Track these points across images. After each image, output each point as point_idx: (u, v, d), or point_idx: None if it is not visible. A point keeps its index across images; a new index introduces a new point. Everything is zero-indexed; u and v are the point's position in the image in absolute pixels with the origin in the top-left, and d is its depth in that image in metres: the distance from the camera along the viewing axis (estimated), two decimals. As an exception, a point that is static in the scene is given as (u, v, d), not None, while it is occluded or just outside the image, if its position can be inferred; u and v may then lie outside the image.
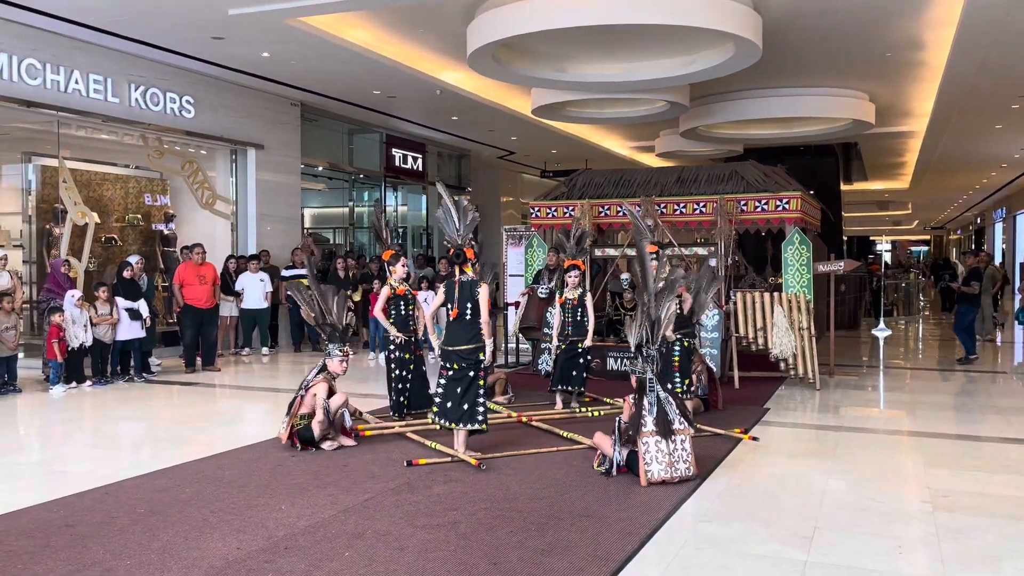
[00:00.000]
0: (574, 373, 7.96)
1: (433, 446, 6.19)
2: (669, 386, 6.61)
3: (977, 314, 12.09)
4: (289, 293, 7.04)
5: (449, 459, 5.88)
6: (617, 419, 5.62)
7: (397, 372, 7.37)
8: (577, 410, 7.73)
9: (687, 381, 6.81)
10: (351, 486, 5.29)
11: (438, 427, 6.54)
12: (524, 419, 7.27)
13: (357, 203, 17.66)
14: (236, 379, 10.33)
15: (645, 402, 5.45)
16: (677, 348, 6.83)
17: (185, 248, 11.73)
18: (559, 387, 7.98)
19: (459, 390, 5.91)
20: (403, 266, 7.45)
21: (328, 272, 13.05)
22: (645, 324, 5.61)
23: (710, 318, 9.09)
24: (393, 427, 6.92)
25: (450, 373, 5.97)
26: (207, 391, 9.44)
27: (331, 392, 6.38)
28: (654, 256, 6.86)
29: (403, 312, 7.40)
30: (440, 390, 6.02)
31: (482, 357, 5.92)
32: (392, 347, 7.38)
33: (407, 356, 7.38)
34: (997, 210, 31.32)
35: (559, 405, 8.00)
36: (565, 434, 6.68)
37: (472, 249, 6.07)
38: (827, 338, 10.59)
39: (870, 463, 6.00)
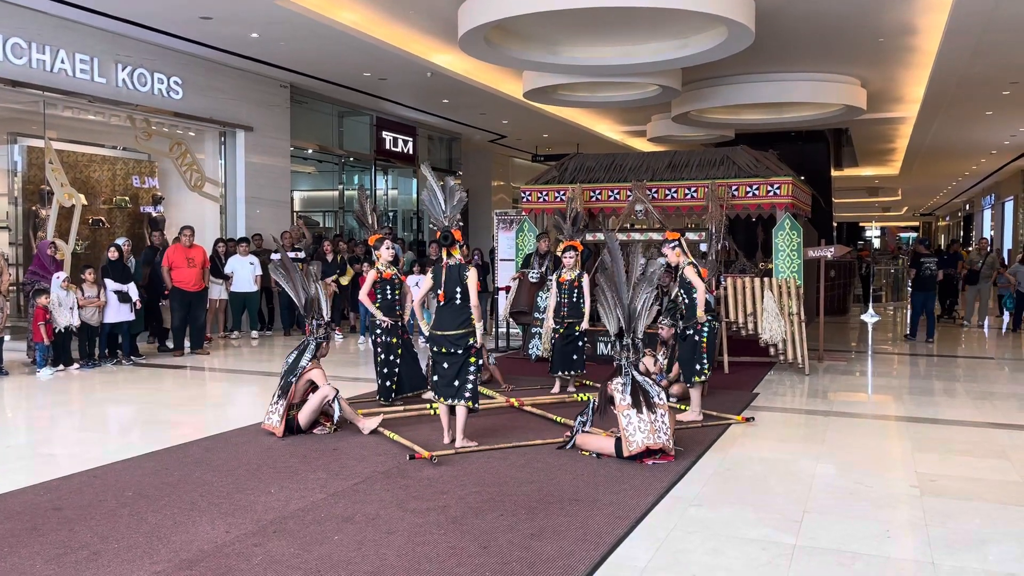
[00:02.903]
0: (574, 357, 7.96)
1: (392, 437, 6.02)
2: (698, 367, 6.65)
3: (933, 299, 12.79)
4: (272, 274, 6.94)
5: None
6: (592, 401, 5.86)
7: (384, 356, 7.30)
8: (576, 396, 7.72)
9: (709, 366, 6.74)
10: (340, 470, 5.27)
11: (433, 411, 6.52)
12: (516, 403, 7.26)
13: (347, 186, 17.57)
14: (225, 362, 10.29)
15: (619, 381, 5.57)
16: (706, 330, 6.74)
17: (156, 231, 11.66)
18: (560, 372, 7.98)
19: (446, 365, 5.84)
20: (388, 249, 7.39)
21: (316, 255, 13.00)
22: (618, 313, 5.71)
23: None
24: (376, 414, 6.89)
25: (434, 355, 5.91)
26: (196, 374, 9.40)
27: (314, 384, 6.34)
28: (676, 243, 6.81)
29: (389, 296, 7.34)
30: (432, 370, 5.98)
31: (472, 342, 5.85)
32: (379, 331, 7.33)
33: (394, 340, 7.32)
34: (986, 197, 31.45)
35: (556, 389, 8.01)
36: (558, 419, 6.68)
37: (459, 231, 6.01)
38: (816, 323, 10.62)
39: (858, 448, 6.03)
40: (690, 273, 6.69)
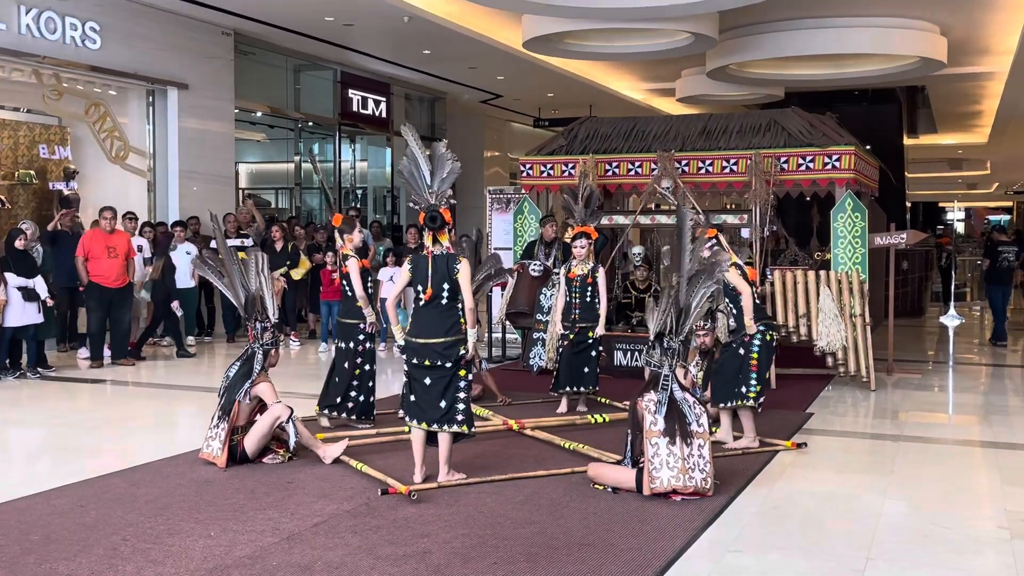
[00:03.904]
0: (586, 370, 7.95)
1: (360, 467, 6.01)
2: (743, 389, 6.63)
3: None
4: (197, 269, 6.84)
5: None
6: (627, 435, 5.73)
7: (368, 367, 7.33)
8: (588, 417, 7.72)
9: (759, 387, 6.70)
10: (297, 508, 5.29)
11: (407, 430, 6.50)
12: (515, 426, 7.28)
13: (305, 157, 17.57)
14: (154, 375, 10.30)
15: (652, 398, 5.53)
16: (757, 343, 6.72)
17: (62, 210, 11.62)
18: (567, 388, 7.99)
19: (428, 381, 5.75)
20: (359, 233, 7.42)
21: (265, 243, 13.01)
22: (670, 310, 5.68)
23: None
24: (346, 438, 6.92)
25: (410, 367, 5.82)
26: (118, 390, 9.41)
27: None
28: (715, 241, 6.80)
29: (370, 292, 7.40)
30: (406, 387, 5.90)
31: (463, 352, 5.77)
32: (361, 336, 7.34)
33: (373, 347, 7.39)
34: (1095, 171, 31.49)
35: (563, 408, 8.02)
36: (566, 444, 6.70)
37: (449, 211, 5.94)
38: (885, 327, 10.66)
39: (935, 480, 6.06)
40: (733, 276, 6.71)
